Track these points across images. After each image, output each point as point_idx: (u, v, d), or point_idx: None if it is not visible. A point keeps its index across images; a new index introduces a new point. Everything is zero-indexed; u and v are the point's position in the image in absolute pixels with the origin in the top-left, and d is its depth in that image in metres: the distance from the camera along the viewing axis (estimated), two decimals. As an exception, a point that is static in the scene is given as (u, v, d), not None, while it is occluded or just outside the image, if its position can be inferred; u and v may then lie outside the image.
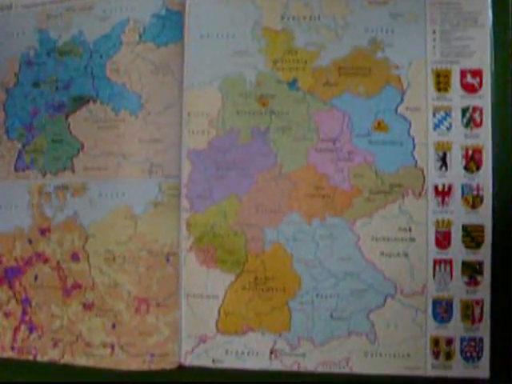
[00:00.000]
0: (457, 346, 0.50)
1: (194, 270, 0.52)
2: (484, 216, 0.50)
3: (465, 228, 0.50)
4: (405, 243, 0.50)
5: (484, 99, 0.51)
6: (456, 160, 0.50)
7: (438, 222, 0.50)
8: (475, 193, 0.50)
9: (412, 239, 0.50)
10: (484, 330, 0.50)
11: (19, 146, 0.54)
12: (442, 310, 0.50)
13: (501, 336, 0.50)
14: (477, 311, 0.50)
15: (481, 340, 0.50)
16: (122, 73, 0.52)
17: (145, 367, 0.52)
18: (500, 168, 0.50)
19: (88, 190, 0.53)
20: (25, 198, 0.54)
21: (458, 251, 0.50)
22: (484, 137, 0.50)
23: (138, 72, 0.52)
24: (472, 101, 0.51)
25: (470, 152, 0.50)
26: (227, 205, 0.52)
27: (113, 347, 0.52)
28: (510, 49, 0.51)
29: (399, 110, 0.51)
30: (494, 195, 0.50)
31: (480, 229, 0.50)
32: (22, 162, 0.54)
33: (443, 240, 0.50)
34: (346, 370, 0.51)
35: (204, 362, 0.52)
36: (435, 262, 0.50)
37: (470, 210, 0.50)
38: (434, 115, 0.51)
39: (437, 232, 0.50)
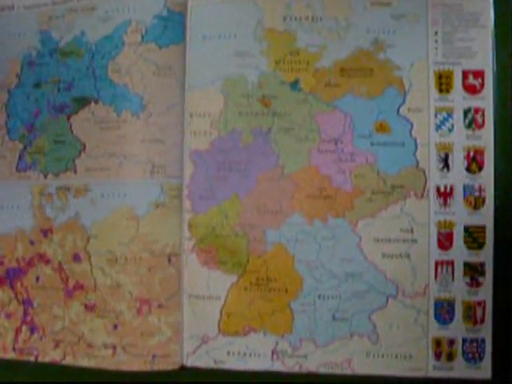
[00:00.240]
0: (459, 346, 0.50)
1: (196, 271, 0.52)
2: (486, 217, 0.50)
3: (466, 229, 0.50)
4: (407, 244, 0.50)
5: (486, 100, 0.51)
6: (458, 161, 0.51)
7: (439, 223, 0.50)
8: (477, 194, 0.50)
9: (414, 240, 0.50)
10: (486, 331, 0.50)
11: (21, 146, 0.54)
12: (443, 311, 0.50)
13: (502, 337, 0.50)
14: (479, 312, 0.50)
15: (483, 341, 0.50)
16: (124, 74, 0.52)
17: (147, 368, 0.52)
18: (502, 169, 0.50)
19: (90, 190, 0.53)
20: (26, 199, 0.54)
21: (459, 252, 0.50)
22: (486, 138, 0.50)
23: (139, 73, 0.52)
24: (474, 102, 0.51)
25: (472, 153, 0.50)
26: (229, 205, 0.52)
27: (114, 348, 0.52)
28: (511, 50, 0.51)
29: (401, 111, 0.51)
30: (496, 196, 0.50)
31: (482, 230, 0.50)
32: (23, 162, 0.54)
33: (445, 241, 0.50)
34: (348, 371, 0.51)
35: (206, 362, 0.52)
36: (437, 263, 0.50)
37: (471, 210, 0.50)
38: (435, 116, 0.51)
39: (439, 233, 0.50)
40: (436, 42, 0.51)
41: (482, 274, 0.50)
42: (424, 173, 0.50)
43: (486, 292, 0.50)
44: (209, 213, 0.52)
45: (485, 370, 0.50)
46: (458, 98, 0.51)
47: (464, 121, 0.51)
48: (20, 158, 0.54)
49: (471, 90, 0.51)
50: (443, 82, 0.51)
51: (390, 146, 0.51)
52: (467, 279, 0.50)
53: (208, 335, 0.52)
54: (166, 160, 0.52)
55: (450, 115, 0.51)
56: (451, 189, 0.50)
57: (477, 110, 0.51)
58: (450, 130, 0.51)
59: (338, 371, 0.51)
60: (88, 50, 0.53)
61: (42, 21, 0.55)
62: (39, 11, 0.55)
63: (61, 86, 0.54)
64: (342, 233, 0.51)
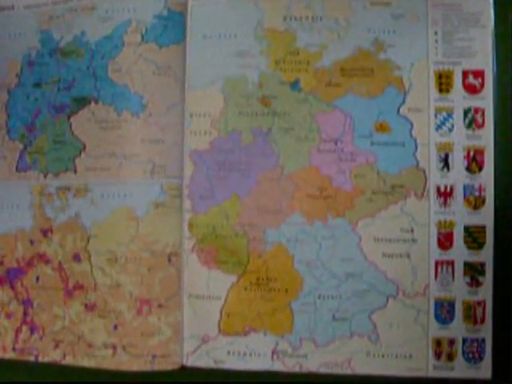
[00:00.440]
0: (459, 346, 0.50)
1: (196, 271, 0.52)
2: (486, 217, 0.50)
3: (467, 229, 0.50)
4: (407, 244, 0.50)
5: (486, 100, 0.51)
6: (458, 161, 0.51)
7: (439, 222, 0.50)
8: (477, 194, 0.50)
9: (414, 240, 0.50)
10: (486, 331, 0.50)
11: (21, 146, 0.54)
12: (443, 311, 0.50)
13: (503, 337, 0.50)
14: (479, 312, 0.50)
15: (483, 341, 0.50)
16: (124, 73, 0.52)
17: (147, 368, 0.52)
18: (502, 169, 0.50)
19: (90, 190, 0.53)
20: (26, 199, 0.54)
21: (459, 252, 0.50)
22: (486, 138, 0.50)
23: (140, 73, 0.52)
24: (474, 102, 0.51)
25: (472, 153, 0.51)
26: (229, 205, 0.52)
27: (115, 348, 0.52)
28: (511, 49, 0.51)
29: (401, 110, 0.51)
30: (496, 196, 0.50)
31: (482, 230, 0.50)
32: (23, 162, 0.54)
33: (445, 241, 0.50)
34: (348, 371, 0.51)
35: (206, 362, 0.52)
36: (437, 263, 0.50)
37: (471, 210, 0.50)
38: (435, 116, 0.51)
39: (439, 233, 0.50)
40: (436, 41, 0.51)
41: (482, 273, 0.50)
42: (424, 173, 0.51)
43: (486, 292, 0.50)
44: (209, 213, 0.52)
45: (485, 369, 0.50)
46: (458, 98, 0.51)
47: (464, 121, 0.51)
48: (20, 157, 0.54)
49: (471, 89, 0.51)
50: (443, 82, 0.51)
51: (390, 145, 0.51)
52: (467, 279, 0.50)
53: (208, 335, 0.52)
54: (166, 160, 0.52)
55: (450, 115, 0.51)
56: (451, 189, 0.50)
57: (477, 110, 0.51)
58: (450, 130, 0.51)
59: (338, 371, 0.51)
60: (88, 49, 0.53)
61: (42, 20, 0.55)
62: (39, 11, 0.55)
63: (61, 86, 0.54)
64: (342, 233, 0.51)
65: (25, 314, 0.54)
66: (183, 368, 0.52)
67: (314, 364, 0.51)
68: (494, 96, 0.51)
